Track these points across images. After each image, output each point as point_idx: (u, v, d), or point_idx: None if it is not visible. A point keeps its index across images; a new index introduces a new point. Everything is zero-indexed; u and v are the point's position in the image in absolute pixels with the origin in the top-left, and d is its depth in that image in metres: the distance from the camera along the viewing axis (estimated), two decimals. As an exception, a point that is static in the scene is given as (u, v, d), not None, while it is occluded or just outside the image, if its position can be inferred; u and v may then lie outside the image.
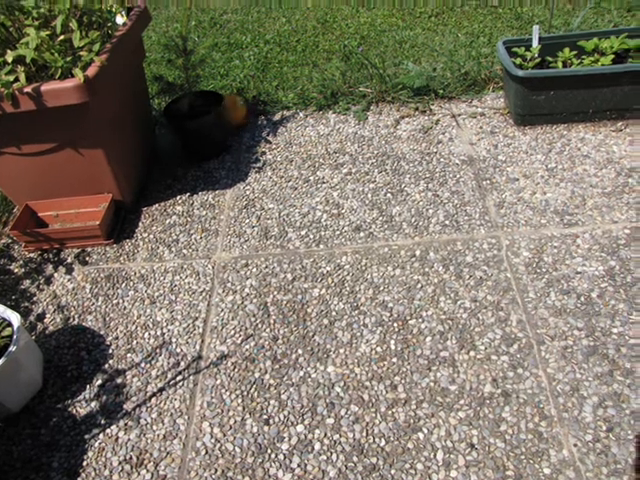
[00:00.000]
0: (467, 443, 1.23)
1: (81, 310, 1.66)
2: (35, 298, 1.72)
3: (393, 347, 1.44)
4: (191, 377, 1.44)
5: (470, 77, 2.41)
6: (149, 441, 1.32)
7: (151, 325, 1.59)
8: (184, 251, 1.81)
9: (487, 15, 3.06)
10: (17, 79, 1.54)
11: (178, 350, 1.51)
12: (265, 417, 1.33)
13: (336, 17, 3.29)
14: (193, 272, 1.73)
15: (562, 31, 2.70)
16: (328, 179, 2.03)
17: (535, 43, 2.13)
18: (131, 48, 1.92)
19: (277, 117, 2.43)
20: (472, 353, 1.40)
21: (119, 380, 1.46)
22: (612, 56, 2.01)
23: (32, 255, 1.88)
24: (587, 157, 1.95)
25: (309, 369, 1.42)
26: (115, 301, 1.68)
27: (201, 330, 1.56)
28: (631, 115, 2.08)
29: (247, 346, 1.50)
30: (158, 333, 1.56)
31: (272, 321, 1.55)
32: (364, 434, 1.27)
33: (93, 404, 1.41)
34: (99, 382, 1.46)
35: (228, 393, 1.39)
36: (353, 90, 2.47)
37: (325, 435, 1.28)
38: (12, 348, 1.32)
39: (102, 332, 1.59)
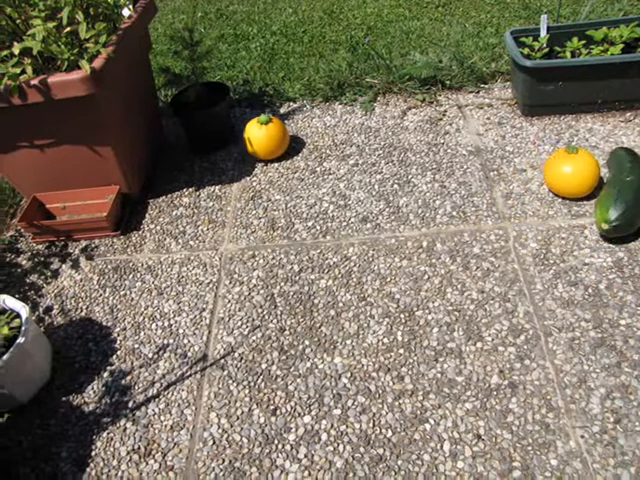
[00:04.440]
0: (474, 434, 1.23)
1: (89, 302, 1.67)
2: (43, 290, 1.73)
3: (400, 338, 1.44)
4: (198, 368, 1.45)
5: (477, 68, 2.39)
6: (157, 431, 1.33)
7: (158, 316, 1.60)
8: (191, 242, 1.82)
9: (494, 5, 3.03)
10: (24, 71, 1.54)
11: (185, 341, 1.52)
12: (272, 408, 1.34)
13: (342, 7, 3.28)
14: (200, 263, 1.74)
15: (570, 20, 2.68)
16: (335, 170, 2.03)
17: (543, 33, 2.11)
18: (137, 40, 1.92)
19: (283, 108, 2.42)
20: (479, 344, 1.40)
21: (127, 371, 1.47)
22: (621, 45, 1.99)
23: (40, 247, 1.89)
24: (596, 148, 1.93)
25: (316, 360, 1.43)
26: (122, 292, 1.68)
27: (208, 321, 1.56)
28: (640, 105, 2.06)
29: (254, 337, 1.50)
30: (165, 324, 1.57)
31: (279, 312, 1.55)
32: (371, 425, 1.28)
33: (101, 395, 1.42)
34: (107, 373, 1.47)
35: (235, 384, 1.40)
36: (360, 81, 2.46)
37: (332, 426, 1.28)
38: (21, 339, 1.33)
39: (110, 323, 1.60)
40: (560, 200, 1.75)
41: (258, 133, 2.04)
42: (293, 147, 2.17)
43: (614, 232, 1.56)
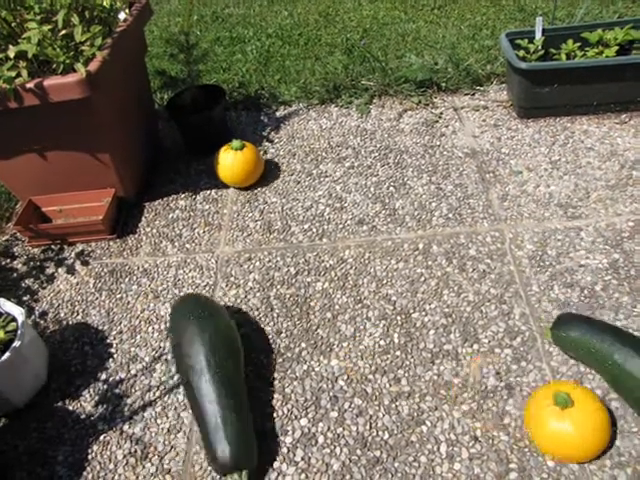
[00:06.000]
0: (471, 436, 1.23)
1: (85, 305, 1.67)
2: (39, 294, 1.72)
3: (396, 340, 1.44)
4: (195, 371, 1.44)
5: (473, 70, 2.40)
6: (153, 435, 1.32)
7: (155, 319, 1.59)
8: (187, 245, 1.81)
9: (490, 7, 3.04)
10: (19, 74, 1.54)
11: (182, 344, 1.51)
12: (269, 410, 1.33)
13: (338, 10, 3.28)
14: (196, 266, 1.73)
15: (565, 23, 2.69)
16: (331, 173, 2.03)
17: (538, 35, 2.12)
18: (133, 42, 1.92)
19: (279, 111, 2.42)
20: (475, 346, 1.40)
21: (123, 374, 1.46)
22: (616, 48, 2.00)
23: (35, 250, 1.88)
24: (591, 149, 1.94)
25: (312, 362, 1.42)
26: (119, 295, 1.68)
27: (205, 324, 1.56)
28: (635, 107, 2.06)
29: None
30: (162, 327, 1.57)
31: (275, 315, 1.55)
32: (368, 427, 1.27)
33: (97, 398, 1.42)
34: (103, 376, 1.47)
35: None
36: (355, 83, 2.46)
37: (329, 428, 1.28)
38: (16, 343, 1.32)
39: (106, 327, 1.59)
40: (556, 202, 1.75)
41: (230, 160, 1.94)
42: (289, 150, 2.17)
43: None
